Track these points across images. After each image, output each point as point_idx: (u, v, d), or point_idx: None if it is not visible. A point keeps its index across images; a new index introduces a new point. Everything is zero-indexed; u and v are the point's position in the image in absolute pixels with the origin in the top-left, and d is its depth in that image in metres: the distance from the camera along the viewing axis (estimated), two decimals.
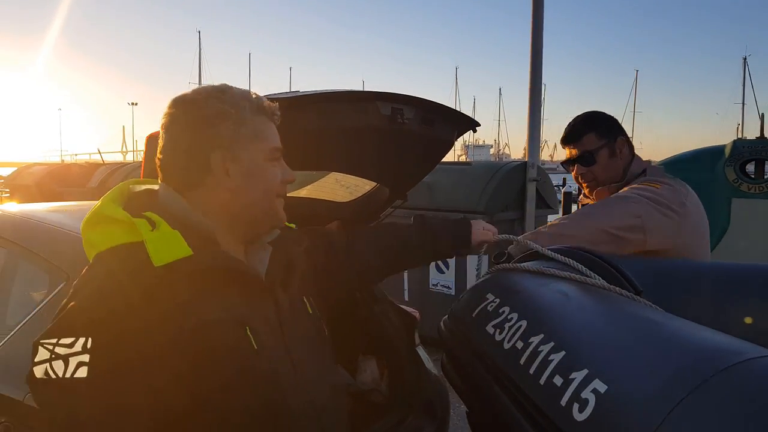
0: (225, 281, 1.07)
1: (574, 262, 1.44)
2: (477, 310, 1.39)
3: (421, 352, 2.93)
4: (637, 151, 2.07)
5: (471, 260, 5.33)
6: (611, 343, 1.01)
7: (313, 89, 2.04)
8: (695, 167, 5.05)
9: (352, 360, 2.99)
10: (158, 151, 1.13)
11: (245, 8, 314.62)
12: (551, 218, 9.24)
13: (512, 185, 5.40)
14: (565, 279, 1.34)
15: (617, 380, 0.91)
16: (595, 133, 2.00)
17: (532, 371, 1.07)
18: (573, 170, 2.07)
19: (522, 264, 1.48)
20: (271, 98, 1.87)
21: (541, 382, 1.03)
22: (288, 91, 1.87)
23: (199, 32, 74.97)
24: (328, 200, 2.72)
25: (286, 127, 1.92)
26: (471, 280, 5.27)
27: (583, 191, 2.12)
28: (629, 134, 2.10)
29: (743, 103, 72.69)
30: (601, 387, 0.91)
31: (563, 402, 0.95)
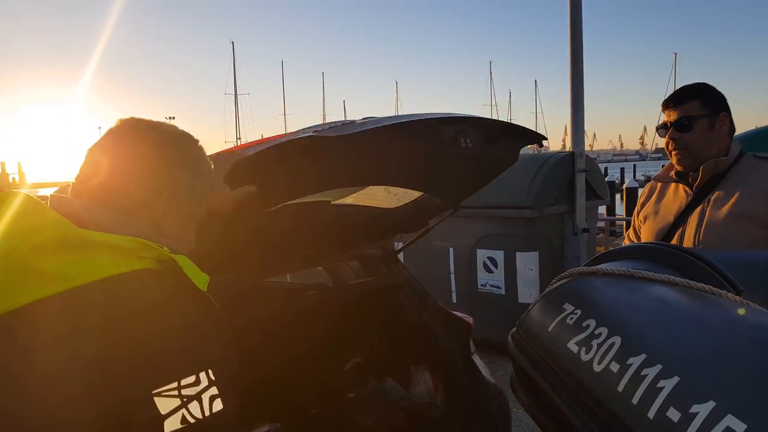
0: None
1: (666, 260, 1.24)
2: (553, 324, 1.19)
3: (477, 359, 2.75)
4: None
5: (521, 257, 5.09)
6: (741, 368, 0.81)
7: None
8: (762, 145, 4.76)
9: (404, 372, 2.83)
10: (107, 168, 1.01)
11: (276, 15, 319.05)
12: (603, 210, 8.89)
13: (560, 177, 5.14)
14: (657, 282, 1.13)
15: (760, 417, 0.71)
16: (699, 102, 1.97)
17: (635, 401, 0.88)
18: (666, 135, 2.02)
19: (602, 266, 1.27)
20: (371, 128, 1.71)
21: (651, 416, 0.84)
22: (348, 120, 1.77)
23: (233, 43, 75.77)
24: (375, 207, 2.56)
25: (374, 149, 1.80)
26: (522, 279, 5.04)
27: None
28: None
29: None
30: (738, 426, 0.72)
31: None
